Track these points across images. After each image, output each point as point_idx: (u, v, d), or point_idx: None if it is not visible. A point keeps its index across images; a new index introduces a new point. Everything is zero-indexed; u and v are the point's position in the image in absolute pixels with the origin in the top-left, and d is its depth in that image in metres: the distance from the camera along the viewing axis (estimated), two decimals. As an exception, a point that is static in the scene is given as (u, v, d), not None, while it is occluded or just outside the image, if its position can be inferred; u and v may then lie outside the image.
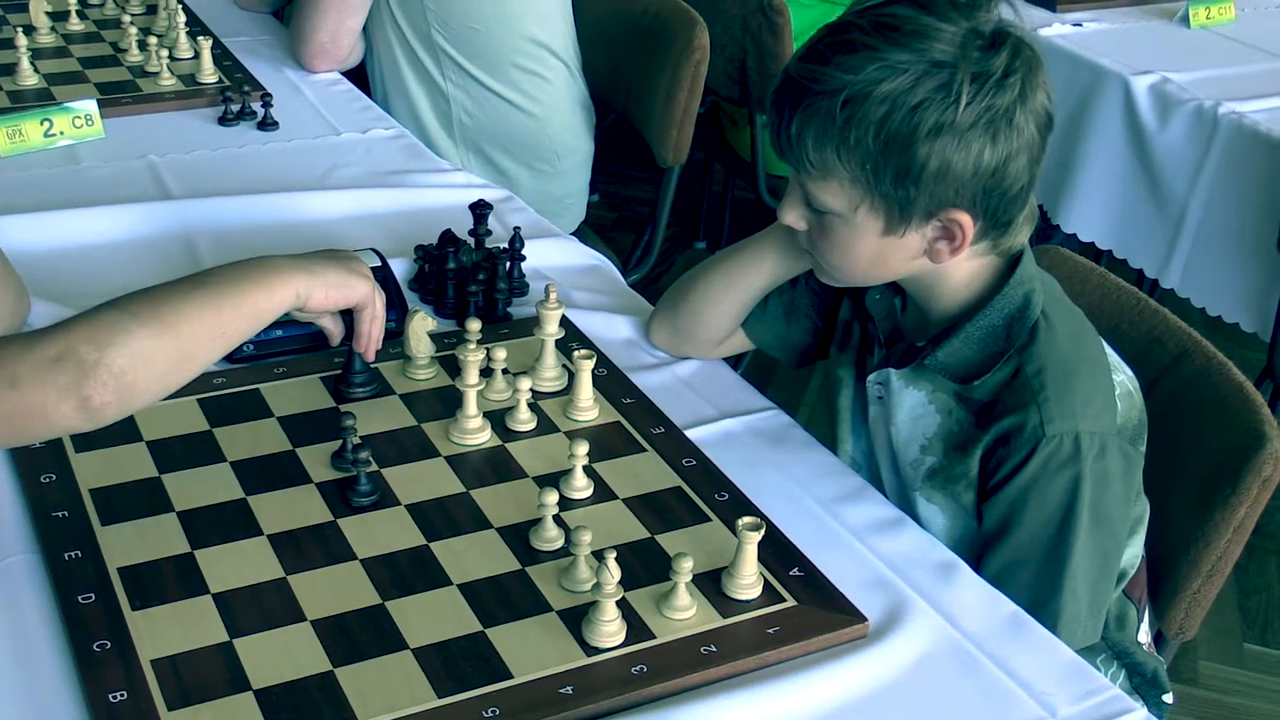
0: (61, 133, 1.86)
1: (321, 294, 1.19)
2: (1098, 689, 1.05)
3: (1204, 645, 2.28)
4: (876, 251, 1.18)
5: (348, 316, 1.30)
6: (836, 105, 1.11)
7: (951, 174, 1.12)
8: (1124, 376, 1.26)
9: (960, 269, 1.21)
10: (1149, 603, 1.35)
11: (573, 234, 1.96)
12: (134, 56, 2.12)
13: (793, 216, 1.22)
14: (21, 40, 2.01)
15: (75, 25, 2.24)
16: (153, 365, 1.03)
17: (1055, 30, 2.60)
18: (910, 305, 1.29)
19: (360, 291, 1.24)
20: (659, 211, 2.35)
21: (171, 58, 2.10)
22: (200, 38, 2.09)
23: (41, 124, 1.85)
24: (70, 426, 1.01)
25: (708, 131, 2.91)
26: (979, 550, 1.22)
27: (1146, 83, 2.38)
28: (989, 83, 1.10)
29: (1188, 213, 2.31)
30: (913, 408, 1.25)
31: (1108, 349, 1.26)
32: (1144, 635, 1.34)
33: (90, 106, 1.89)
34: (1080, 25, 2.64)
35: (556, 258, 1.65)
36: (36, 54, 2.09)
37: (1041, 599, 1.17)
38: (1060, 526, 1.17)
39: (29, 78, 2.01)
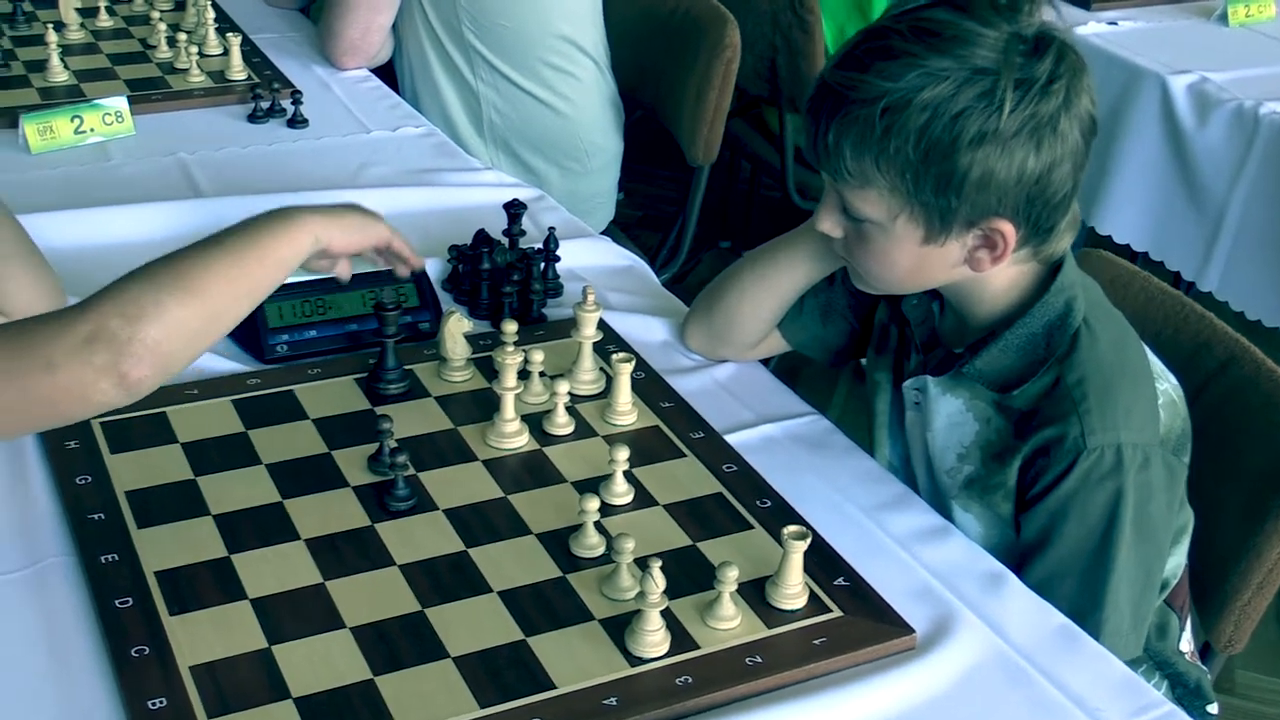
0: (92, 129, 1.85)
1: (340, 235, 1.17)
2: (1151, 704, 1.03)
3: (1241, 655, 2.24)
4: (915, 260, 1.16)
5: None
6: (876, 114, 1.09)
7: (994, 183, 1.09)
8: (1167, 385, 1.23)
9: (1000, 276, 1.19)
10: (1192, 611, 1.33)
11: (601, 233, 1.95)
12: (163, 53, 2.11)
13: (829, 224, 1.20)
14: (52, 37, 2.00)
15: (105, 21, 2.23)
16: (185, 332, 1.02)
17: (1090, 29, 2.57)
18: (948, 311, 1.27)
19: (379, 231, 1.23)
20: (688, 210, 2.33)
21: (200, 54, 2.10)
22: (229, 34, 2.08)
23: (72, 121, 1.84)
24: (109, 403, 1.00)
25: (739, 129, 2.89)
26: (1018, 561, 1.20)
27: (1184, 82, 2.35)
28: (1033, 89, 1.08)
29: (1227, 214, 2.28)
30: (950, 415, 1.23)
31: (1151, 356, 1.24)
32: (1186, 644, 1.32)
33: (120, 103, 1.88)
34: (1115, 24, 2.61)
35: (590, 258, 1.63)
36: (66, 50, 2.09)
37: (1083, 612, 1.15)
38: (1102, 539, 1.15)
39: (59, 74, 2.00)
